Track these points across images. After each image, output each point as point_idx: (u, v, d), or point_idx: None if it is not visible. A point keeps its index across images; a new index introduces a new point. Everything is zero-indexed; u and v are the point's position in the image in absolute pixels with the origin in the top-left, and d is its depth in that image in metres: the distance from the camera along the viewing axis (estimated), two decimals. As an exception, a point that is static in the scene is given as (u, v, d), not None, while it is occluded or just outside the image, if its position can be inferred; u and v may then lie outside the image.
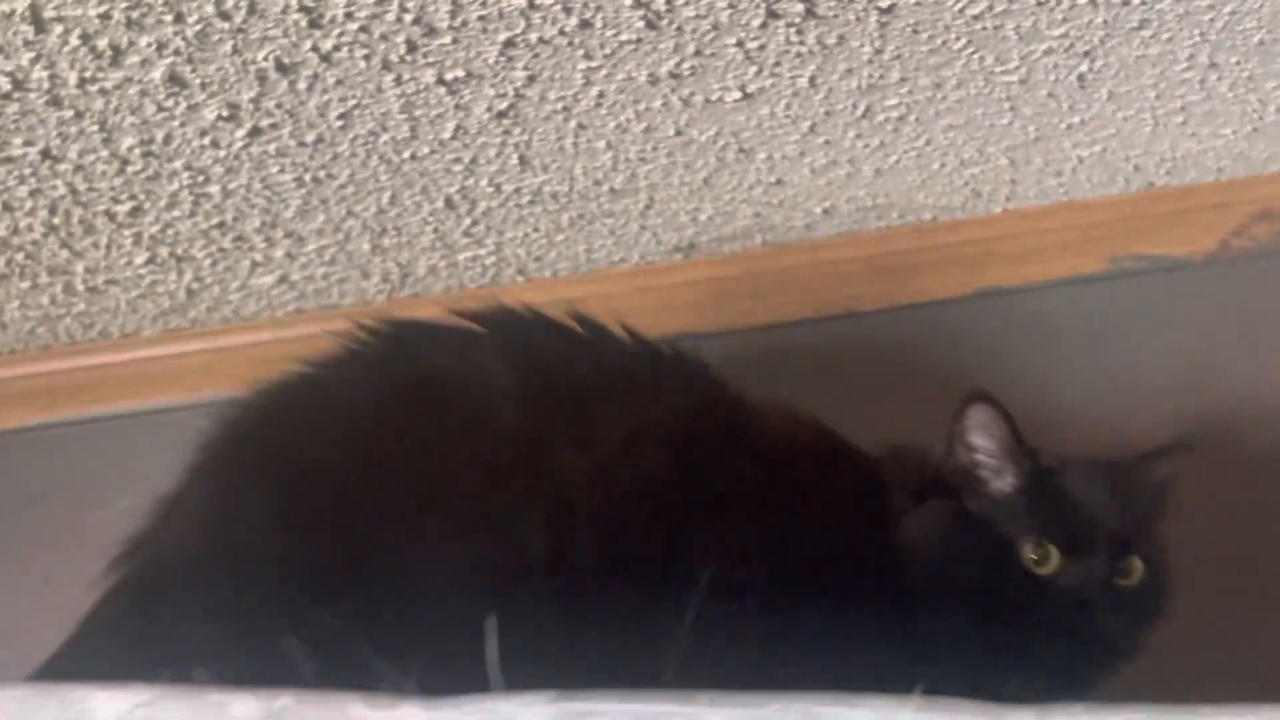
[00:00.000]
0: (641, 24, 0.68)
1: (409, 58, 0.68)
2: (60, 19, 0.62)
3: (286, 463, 0.64)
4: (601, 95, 0.75)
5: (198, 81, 0.68)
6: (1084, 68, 0.78)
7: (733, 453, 0.68)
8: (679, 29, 0.68)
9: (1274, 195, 0.98)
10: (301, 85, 0.70)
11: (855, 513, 0.69)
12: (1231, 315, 1.00)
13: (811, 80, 0.76)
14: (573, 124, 0.78)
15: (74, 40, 0.64)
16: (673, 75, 0.73)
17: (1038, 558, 0.66)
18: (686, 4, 0.66)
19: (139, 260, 0.89)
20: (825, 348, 1.02)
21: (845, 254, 1.00)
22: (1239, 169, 0.96)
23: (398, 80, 0.71)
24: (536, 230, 0.91)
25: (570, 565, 0.60)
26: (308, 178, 0.81)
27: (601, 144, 0.81)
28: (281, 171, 0.80)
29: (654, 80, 0.74)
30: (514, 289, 0.96)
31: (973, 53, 0.74)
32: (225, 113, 0.72)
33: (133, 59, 0.66)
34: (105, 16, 0.62)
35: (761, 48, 0.71)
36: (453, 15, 0.65)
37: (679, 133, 0.80)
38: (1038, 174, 0.93)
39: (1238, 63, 0.78)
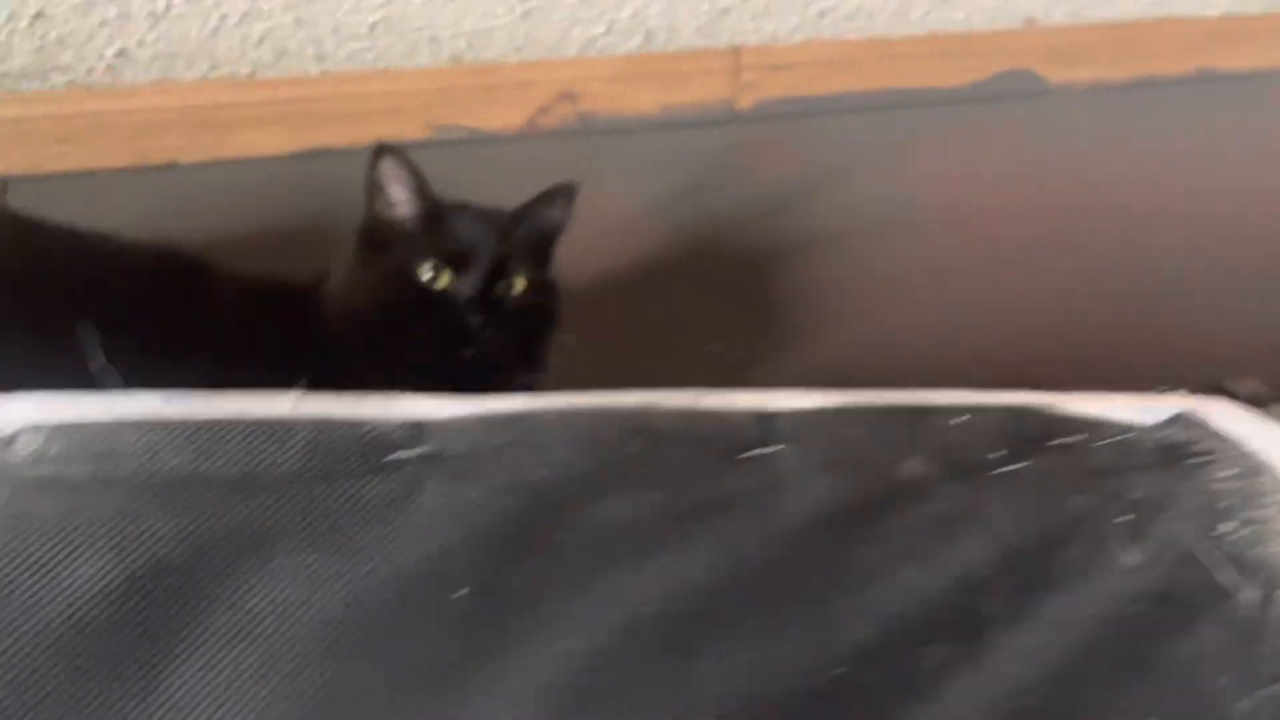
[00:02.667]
0: None
1: None
2: None
3: None
4: None
5: None
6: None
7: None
8: None
9: (573, 79, 1.08)
10: None
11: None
12: (541, 186, 1.10)
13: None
14: None
15: None
16: None
17: (432, 275, 0.75)
18: None
19: None
20: (147, 199, 1.03)
21: (159, 103, 1.00)
22: (537, 51, 1.04)
23: None
24: None
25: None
26: None
27: None
28: None
29: None
30: None
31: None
32: None
33: None
34: None
35: None
36: None
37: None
38: (335, 38, 0.96)
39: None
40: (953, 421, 0.52)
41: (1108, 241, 1.17)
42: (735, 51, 1.10)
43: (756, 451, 0.50)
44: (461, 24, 0.97)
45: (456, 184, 1.08)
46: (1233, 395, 1.15)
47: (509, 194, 1.08)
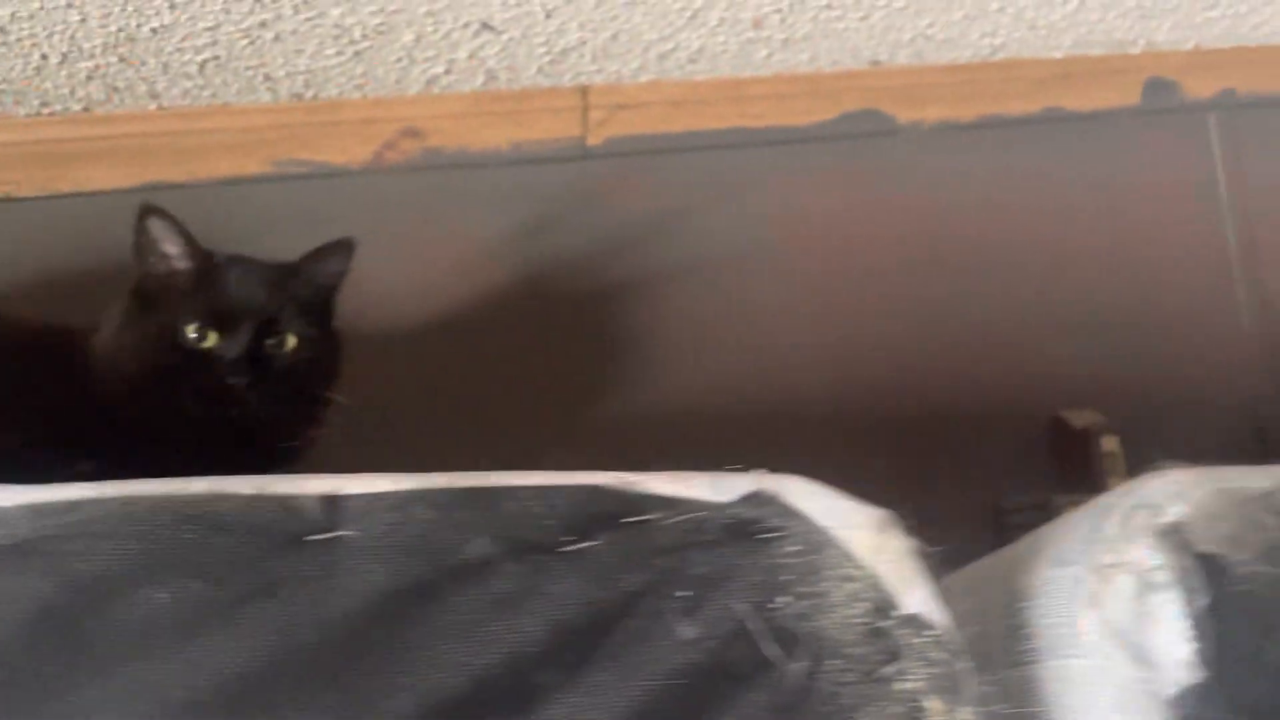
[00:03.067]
0: None
1: None
2: None
3: None
4: None
5: None
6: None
7: None
8: None
9: (419, 115, 1.09)
10: None
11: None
12: (387, 220, 1.11)
13: None
14: None
15: None
16: None
17: (198, 335, 0.76)
18: None
19: None
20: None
21: (-5, 137, 1.00)
22: (380, 89, 1.05)
23: None
24: None
25: None
26: None
27: None
28: None
29: None
30: None
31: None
32: None
33: None
34: None
35: None
36: None
37: None
38: (166, 77, 0.96)
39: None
40: (526, 503, 0.54)
41: (955, 277, 1.20)
42: (583, 90, 1.11)
43: (321, 536, 0.52)
44: (294, 63, 0.97)
45: (300, 219, 1.09)
46: (1069, 426, 1.18)
47: (354, 229, 1.08)
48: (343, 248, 0.82)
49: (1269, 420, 1.25)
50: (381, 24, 0.93)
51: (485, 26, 0.95)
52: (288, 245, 1.07)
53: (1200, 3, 1.12)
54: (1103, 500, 0.60)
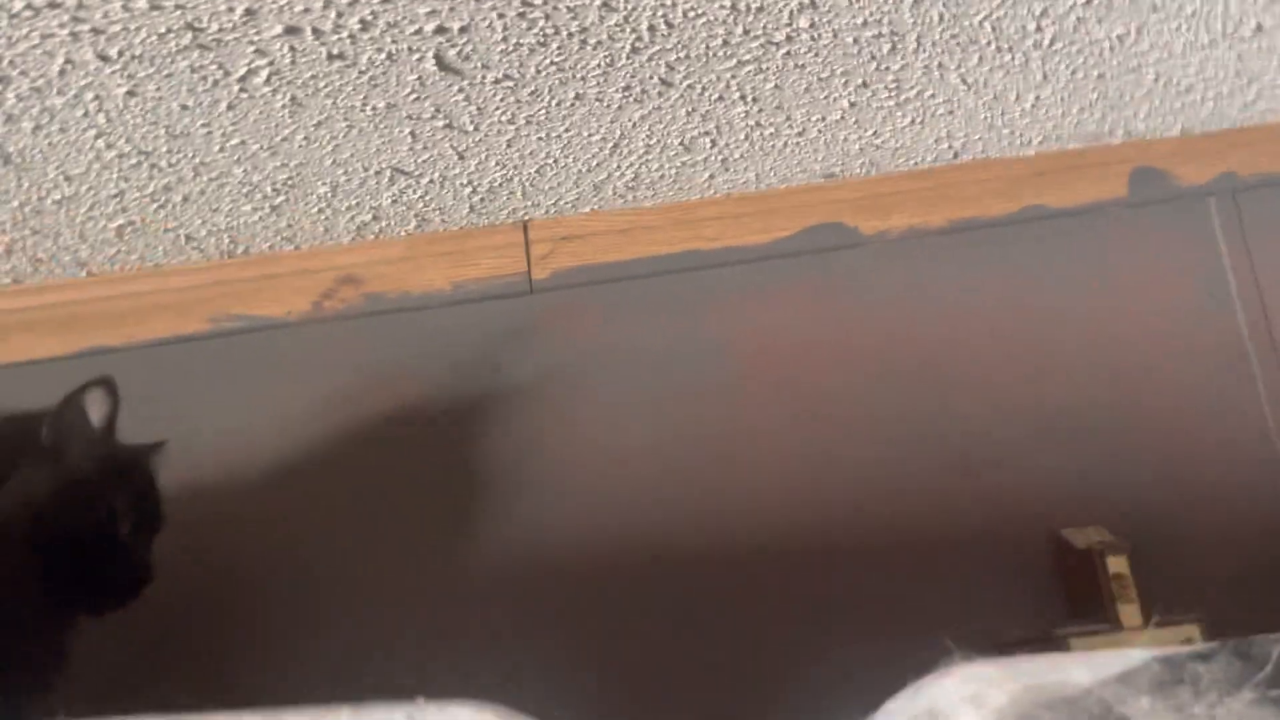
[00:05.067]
0: None
1: None
2: None
3: None
4: None
5: None
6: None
7: None
8: None
9: (356, 263, 1.07)
10: None
11: None
12: (330, 369, 1.08)
13: None
14: None
15: None
16: None
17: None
18: None
19: None
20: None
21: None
22: (312, 240, 1.03)
23: None
24: None
25: None
26: None
27: None
28: None
29: None
30: None
31: None
32: None
33: None
34: None
35: None
36: None
37: None
38: (87, 245, 0.96)
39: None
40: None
41: (939, 390, 1.12)
42: (524, 225, 1.08)
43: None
44: (213, 221, 0.96)
45: (242, 373, 1.07)
46: (1071, 546, 1.08)
47: (297, 380, 1.06)
48: (152, 449, 0.81)
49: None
50: (289, 179, 0.91)
51: (398, 172, 0.93)
52: (230, 401, 1.06)
53: (1174, 88, 1.05)
54: (888, 706, 0.50)
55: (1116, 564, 1.05)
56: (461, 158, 0.92)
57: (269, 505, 1.03)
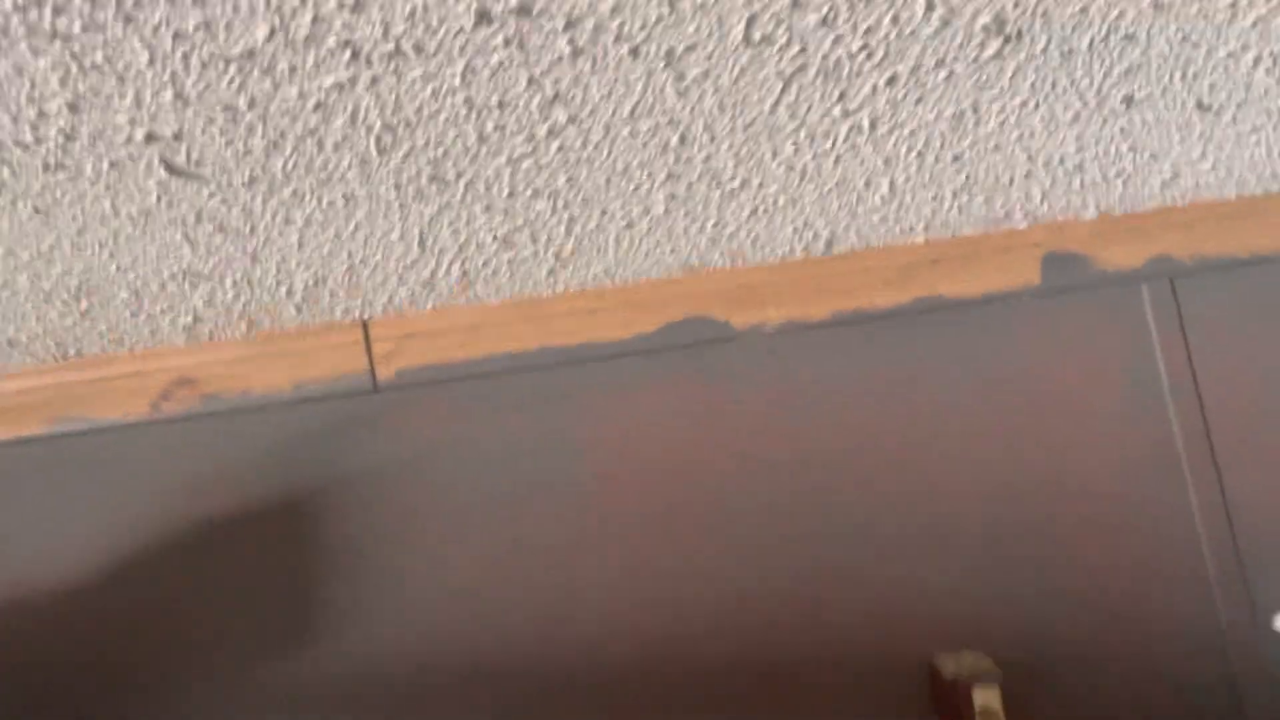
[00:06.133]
0: None
1: None
2: None
3: None
4: None
5: None
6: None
7: None
8: None
9: (191, 364, 1.04)
10: None
11: None
12: (169, 470, 1.05)
13: None
14: None
15: None
16: None
17: None
18: None
19: None
20: None
21: None
22: (140, 342, 1.01)
23: None
24: None
25: None
26: None
27: None
28: None
29: None
30: None
31: None
32: None
33: None
34: None
35: None
36: None
37: None
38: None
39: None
40: None
41: (808, 496, 1.03)
42: (362, 324, 1.04)
43: None
44: (28, 328, 0.94)
45: (75, 477, 1.04)
46: (940, 675, 0.96)
47: (132, 483, 1.04)
48: None
49: (1240, 666, 0.99)
50: (80, 285, 0.88)
51: (196, 275, 0.90)
52: (62, 505, 1.03)
53: (1061, 168, 0.95)
54: None
55: (985, 697, 0.93)
56: (255, 260, 0.89)
57: (94, 611, 1.00)
